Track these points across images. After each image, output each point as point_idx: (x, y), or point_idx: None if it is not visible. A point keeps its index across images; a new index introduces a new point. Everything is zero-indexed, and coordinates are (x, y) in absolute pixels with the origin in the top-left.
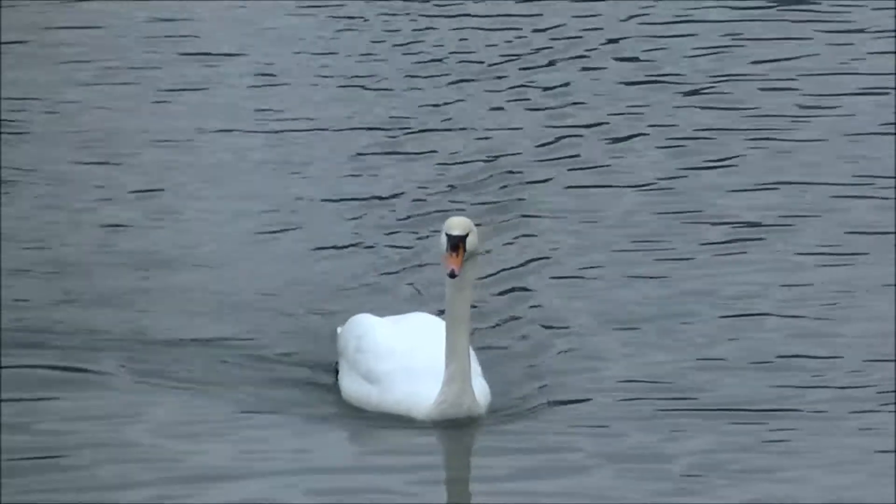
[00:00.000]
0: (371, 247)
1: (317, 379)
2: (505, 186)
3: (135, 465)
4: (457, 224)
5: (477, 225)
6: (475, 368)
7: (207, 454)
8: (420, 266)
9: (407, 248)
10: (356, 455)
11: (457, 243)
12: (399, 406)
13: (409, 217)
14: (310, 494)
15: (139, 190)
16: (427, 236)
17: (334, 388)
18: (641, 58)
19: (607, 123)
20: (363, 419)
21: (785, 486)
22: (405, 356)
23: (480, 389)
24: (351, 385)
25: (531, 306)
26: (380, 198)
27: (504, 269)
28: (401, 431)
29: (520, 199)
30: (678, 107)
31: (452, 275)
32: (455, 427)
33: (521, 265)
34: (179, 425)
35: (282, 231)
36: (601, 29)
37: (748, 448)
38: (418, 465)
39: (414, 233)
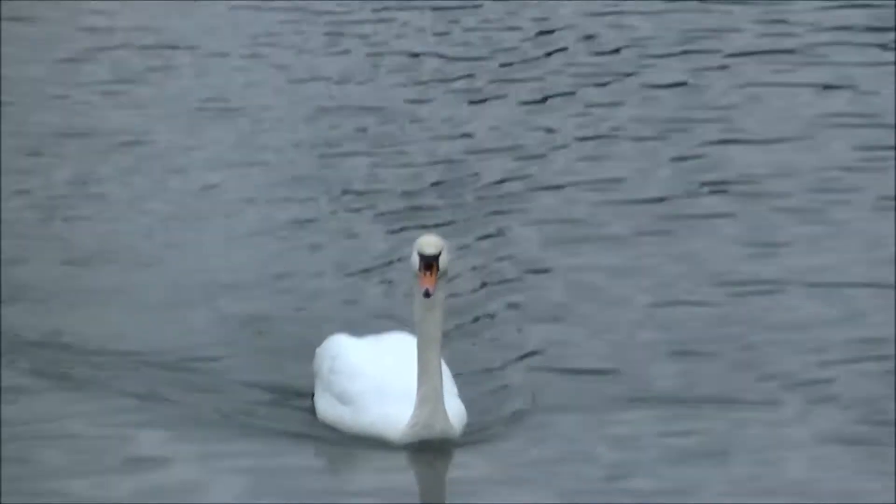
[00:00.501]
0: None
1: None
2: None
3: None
4: (429, 243)
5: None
6: (450, 388)
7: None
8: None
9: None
10: (327, 477)
11: (430, 262)
12: (373, 428)
13: (379, 217)
14: None
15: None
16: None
17: (311, 409)
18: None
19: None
20: (336, 441)
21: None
22: (379, 377)
23: (456, 410)
24: (325, 406)
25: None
26: (349, 191)
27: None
28: (374, 454)
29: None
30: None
31: (427, 294)
32: (428, 449)
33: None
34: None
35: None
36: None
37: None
38: (390, 489)
39: (383, 237)
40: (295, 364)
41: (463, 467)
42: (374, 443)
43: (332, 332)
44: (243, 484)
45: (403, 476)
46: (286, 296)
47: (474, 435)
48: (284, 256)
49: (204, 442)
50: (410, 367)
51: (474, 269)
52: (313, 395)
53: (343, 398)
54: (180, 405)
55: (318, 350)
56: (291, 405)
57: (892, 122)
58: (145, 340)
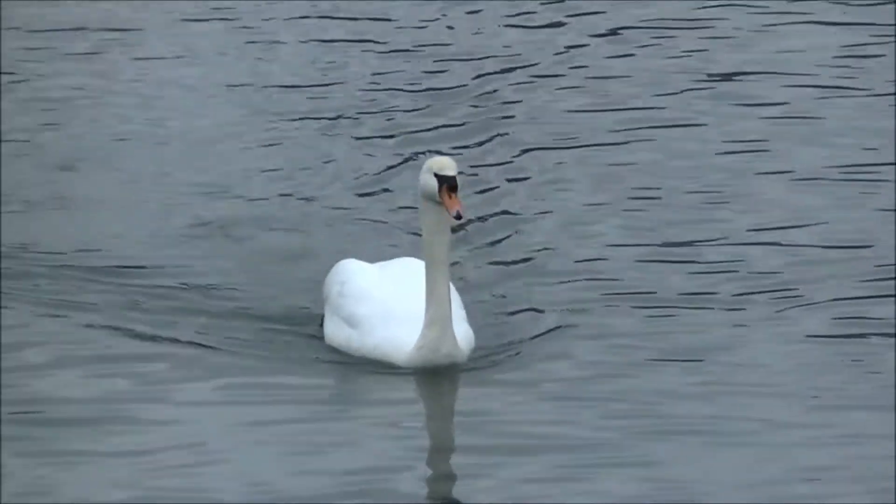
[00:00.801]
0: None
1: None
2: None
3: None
4: (447, 164)
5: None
6: (459, 313)
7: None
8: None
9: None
10: (332, 399)
11: (454, 183)
12: (377, 351)
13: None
14: (284, 442)
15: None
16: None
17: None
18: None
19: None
20: (343, 363)
21: None
22: (386, 301)
23: (463, 334)
24: (333, 329)
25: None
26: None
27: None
28: (380, 377)
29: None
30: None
31: (459, 216)
32: (434, 373)
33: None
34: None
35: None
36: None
37: None
38: (395, 412)
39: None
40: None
41: (467, 390)
42: (380, 365)
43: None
44: (248, 413)
45: (407, 398)
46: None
47: (482, 360)
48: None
49: (208, 370)
50: (418, 292)
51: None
52: (322, 319)
53: (350, 321)
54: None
55: (327, 276)
56: (297, 329)
57: None
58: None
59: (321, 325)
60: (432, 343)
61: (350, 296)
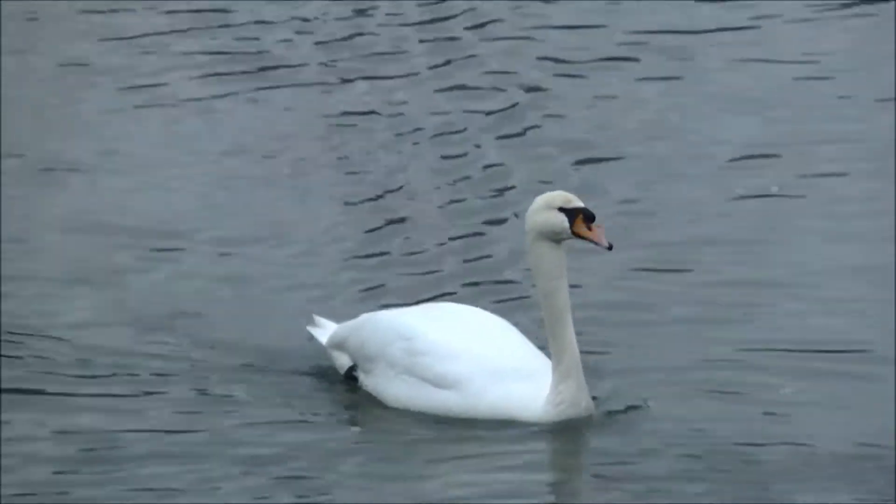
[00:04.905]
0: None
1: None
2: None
3: None
4: (571, 195)
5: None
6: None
7: None
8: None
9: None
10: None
11: (592, 213)
12: (496, 410)
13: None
14: None
15: None
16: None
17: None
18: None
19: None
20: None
21: None
22: (481, 356)
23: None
24: (408, 391)
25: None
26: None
27: None
28: (506, 435)
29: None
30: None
31: (611, 246)
32: (568, 428)
33: None
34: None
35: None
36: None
37: None
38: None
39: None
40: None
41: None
42: (496, 425)
43: None
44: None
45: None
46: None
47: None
48: None
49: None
50: (502, 342)
51: None
52: (351, 377)
53: (442, 381)
54: None
55: (344, 329)
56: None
57: None
58: None
59: (347, 379)
60: (573, 398)
61: (429, 353)
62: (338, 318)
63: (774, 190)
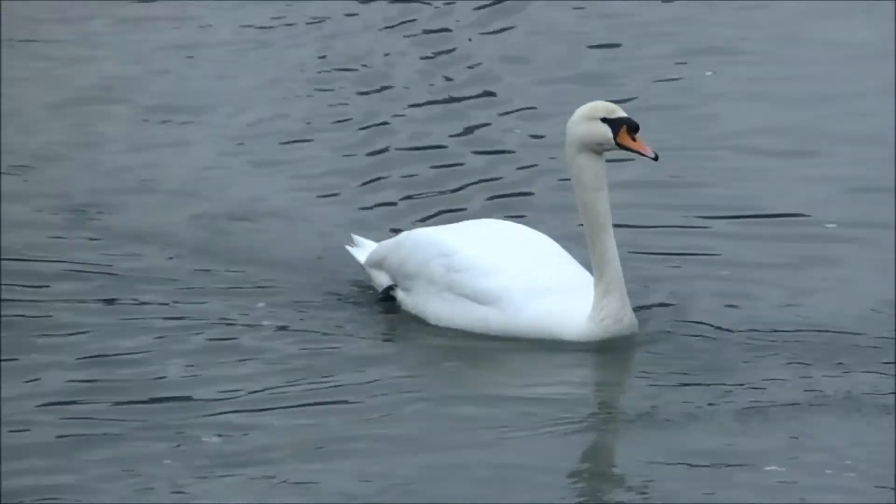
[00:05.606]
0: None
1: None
2: None
3: None
4: (616, 106)
5: None
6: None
7: None
8: None
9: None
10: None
11: (636, 123)
12: (536, 326)
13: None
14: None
15: None
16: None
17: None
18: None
19: None
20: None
21: None
22: (521, 271)
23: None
24: (449, 308)
25: None
26: None
27: None
28: (547, 354)
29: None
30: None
31: (657, 156)
32: (611, 346)
33: None
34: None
35: None
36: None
37: None
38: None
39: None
40: None
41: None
42: (538, 342)
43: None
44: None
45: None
46: None
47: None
48: None
49: None
50: (544, 258)
51: None
52: (387, 297)
53: (482, 297)
54: None
55: (383, 248)
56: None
57: None
58: None
59: (384, 300)
60: (616, 313)
61: (468, 269)
62: (373, 238)
63: None
